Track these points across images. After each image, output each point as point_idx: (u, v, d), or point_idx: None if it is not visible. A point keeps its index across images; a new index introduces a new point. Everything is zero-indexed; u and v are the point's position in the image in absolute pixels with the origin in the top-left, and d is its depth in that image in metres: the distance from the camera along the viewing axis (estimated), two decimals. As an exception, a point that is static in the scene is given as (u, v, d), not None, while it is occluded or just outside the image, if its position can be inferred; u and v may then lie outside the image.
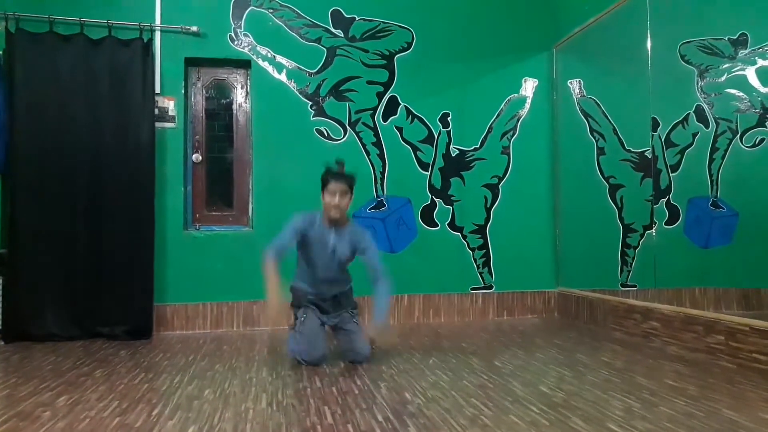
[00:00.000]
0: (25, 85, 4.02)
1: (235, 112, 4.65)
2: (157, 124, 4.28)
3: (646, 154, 3.98)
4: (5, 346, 3.80)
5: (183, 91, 4.43)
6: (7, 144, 3.99)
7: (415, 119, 4.77)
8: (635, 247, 4.10)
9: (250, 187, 4.55)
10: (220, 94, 4.68)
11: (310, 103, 4.60)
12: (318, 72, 4.62)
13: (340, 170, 3.23)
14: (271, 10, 4.56)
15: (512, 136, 4.96)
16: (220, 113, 4.66)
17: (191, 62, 4.50)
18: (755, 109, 3.25)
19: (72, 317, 4.01)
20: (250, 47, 4.52)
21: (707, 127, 3.55)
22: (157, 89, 4.30)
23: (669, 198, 3.79)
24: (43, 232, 3.98)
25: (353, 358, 3.27)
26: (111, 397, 2.63)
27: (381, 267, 3.31)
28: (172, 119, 4.37)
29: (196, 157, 4.52)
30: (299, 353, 3.19)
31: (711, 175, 3.52)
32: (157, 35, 4.34)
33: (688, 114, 3.66)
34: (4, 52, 4.03)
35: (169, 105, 4.37)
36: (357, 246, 3.28)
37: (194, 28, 4.38)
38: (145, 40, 4.24)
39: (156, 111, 4.27)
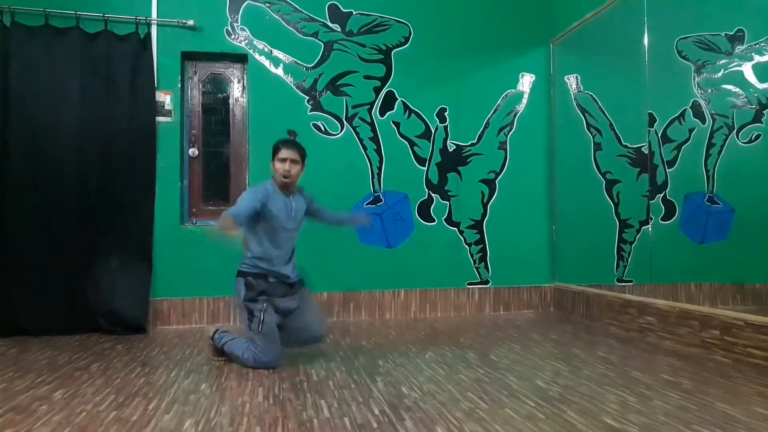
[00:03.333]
0: (20, 79, 4.01)
1: (231, 106, 4.64)
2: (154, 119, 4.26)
3: (642, 149, 3.98)
4: (1, 341, 3.79)
5: (179, 86, 4.41)
6: (1, 137, 3.97)
7: (412, 114, 4.77)
8: (631, 243, 4.11)
9: (247, 181, 4.54)
10: (217, 88, 4.66)
11: (307, 97, 4.59)
12: (315, 66, 4.61)
13: (292, 138, 3.28)
14: (268, 4, 4.55)
15: (509, 132, 4.96)
16: (216, 108, 4.65)
17: (188, 56, 4.49)
18: (751, 105, 3.26)
19: (68, 312, 4.00)
20: (246, 41, 4.50)
21: (704, 122, 3.56)
22: (154, 83, 4.28)
23: (665, 193, 3.80)
24: (38, 226, 3.97)
25: (308, 338, 3.23)
26: (107, 391, 2.63)
27: (326, 209, 3.48)
28: (168, 113, 4.35)
29: (193, 151, 4.51)
30: (259, 353, 2.99)
31: (707, 171, 3.52)
32: (154, 29, 4.32)
33: (685, 110, 3.66)
34: (-1, 46, 4.02)
35: (166, 99, 4.36)
36: (308, 205, 3.34)
37: (191, 22, 4.36)
38: (142, 34, 4.23)
39: (154, 105, 4.25)
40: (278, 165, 3.12)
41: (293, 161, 3.12)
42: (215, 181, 4.61)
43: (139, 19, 4.22)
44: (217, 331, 3.27)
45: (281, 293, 3.13)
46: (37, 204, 3.98)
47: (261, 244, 3.11)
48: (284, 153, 3.12)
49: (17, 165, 3.98)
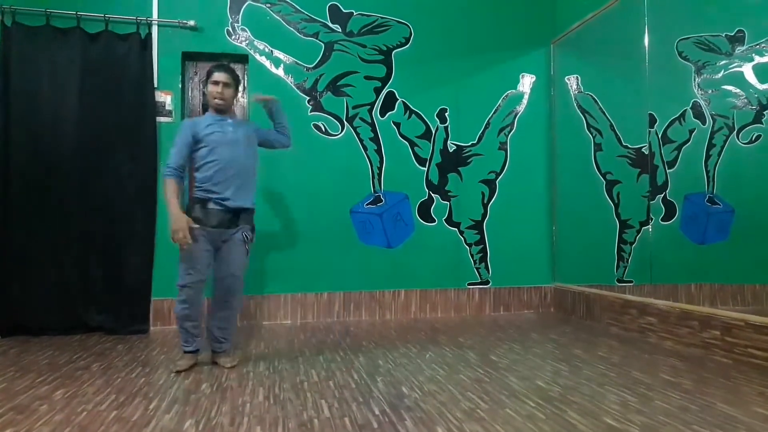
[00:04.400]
0: (21, 79, 4.01)
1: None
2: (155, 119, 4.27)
3: (642, 150, 3.98)
4: (2, 340, 3.80)
5: (180, 86, 4.42)
6: (3, 137, 3.97)
7: (413, 115, 4.77)
8: (632, 243, 4.11)
9: (248, 182, 4.54)
10: (218, 88, 4.66)
11: (308, 98, 4.59)
12: (315, 67, 4.61)
13: (225, 63, 3.36)
14: (269, 5, 4.55)
15: (509, 132, 4.96)
16: (217, 108, 4.64)
17: (188, 57, 4.49)
18: (752, 105, 3.26)
19: (69, 312, 4.00)
20: (247, 42, 4.51)
21: (704, 123, 3.56)
22: (155, 83, 4.29)
23: (665, 194, 3.80)
24: (39, 224, 3.97)
25: (223, 275, 3.14)
26: (108, 391, 2.63)
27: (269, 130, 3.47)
28: (169, 114, 4.36)
29: (194, 151, 4.50)
30: (178, 278, 3.07)
31: (707, 172, 3.52)
32: (155, 29, 4.32)
33: (685, 110, 3.66)
34: (0, 46, 4.02)
35: (166, 99, 4.36)
36: (251, 128, 3.35)
37: (191, 23, 4.36)
38: (143, 35, 4.23)
39: (154, 105, 4.25)
40: (211, 88, 3.15)
41: (225, 84, 3.15)
42: (216, 181, 4.60)
43: (140, 20, 4.23)
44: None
45: (216, 222, 3.07)
46: (37, 203, 3.98)
47: (204, 171, 3.10)
48: (217, 76, 3.15)
49: (18, 165, 3.98)
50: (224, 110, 3.19)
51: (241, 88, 4.62)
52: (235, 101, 3.31)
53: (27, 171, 3.99)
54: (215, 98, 3.14)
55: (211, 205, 3.07)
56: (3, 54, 4.00)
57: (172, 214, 2.97)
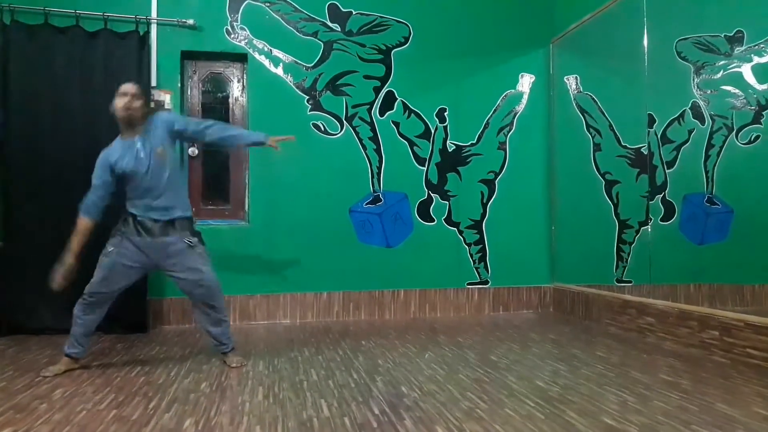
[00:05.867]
0: (20, 78, 4.00)
1: (231, 106, 4.64)
2: (154, 118, 4.26)
3: (642, 150, 3.99)
4: (1, 339, 3.80)
5: (179, 85, 4.41)
6: (3, 137, 3.97)
7: (412, 114, 4.77)
8: (631, 243, 4.12)
9: (247, 181, 4.55)
10: (217, 87, 4.67)
11: (307, 97, 4.59)
12: (315, 66, 4.61)
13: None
14: (268, 4, 4.55)
15: (509, 132, 4.97)
16: (216, 107, 4.65)
17: (187, 56, 4.49)
18: (751, 106, 3.26)
19: (68, 310, 3.97)
20: (246, 41, 4.51)
21: (703, 123, 3.57)
22: (153, 82, 4.29)
23: (664, 194, 3.80)
24: (40, 225, 3.96)
25: (189, 288, 3.06)
26: (107, 390, 2.63)
27: (197, 122, 3.16)
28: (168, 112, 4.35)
29: (192, 150, 4.50)
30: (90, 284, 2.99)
31: (706, 172, 3.53)
32: (153, 28, 4.32)
33: (684, 110, 3.67)
34: (-1, 44, 4.02)
35: (166, 98, 4.36)
36: (168, 129, 3.06)
37: (190, 22, 4.36)
38: (141, 33, 4.22)
39: (152, 104, 4.25)
40: (117, 101, 2.95)
41: (132, 95, 2.95)
42: (215, 180, 4.61)
43: (139, 18, 4.22)
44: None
45: (137, 232, 2.99)
46: (37, 203, 3.98)
47: (127, 197, 3.05)
48: (122, 89, 2.97)
49: (16, 164, 3.98)
50: (133, 123, 2.98)
51: (240, 87, 4.62)
52: (144, 113, 3.04)
53: (26, 169, 3.98)
54: (125, 108, 2.93)
55: (137, 220, 3.01)
56: (2, 52, 3.99)
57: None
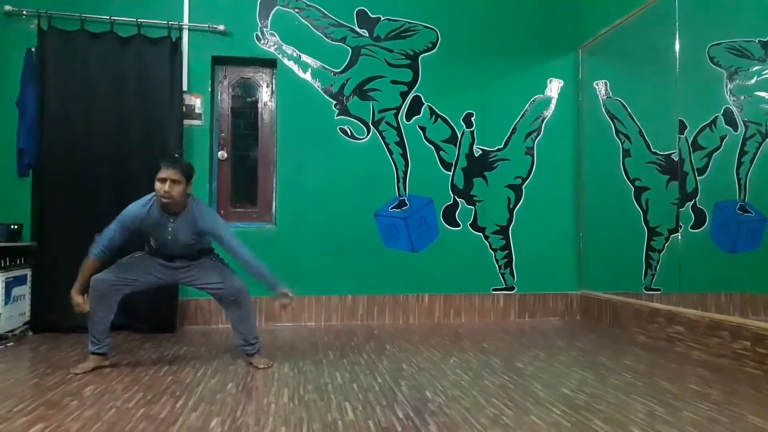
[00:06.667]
0: (56, 82, 4.11)
1: (260, 110, 4.70)
2: (184, 122, 4.34)
3: (672, 156, 3.93)
4: (33, 337, 3.89)
5: (209, 90, 4.48)
6: (38, 140, 4.08)
7: (439, 119, 4.77)
8: (660, 251, 4.05)
9: (274, 184, 4.59)
10: (246, 92, 4.73)
11: (334, 102, 4.62)
12: (342, 71, 4.64)
13: (173, 159, 3.10)
14: (297, 10, 4.60)
15: (536, 137, 4.93)
16: (245, 111, 4.71)
17: (218, 61, 4.56)
18: (786, 112, 3.20)
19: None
20: (276, 46, 4.56)
21: (736, 130, 3.50)
22: (185, 87, 4.36)
23: (695, 201, 3.74)
24: (72, 226, 4.04)
25: (219, 291, 3.17)
26: (136, 388, 2.67)
27: (235, 243, 3.11)
28: (198, 117, 4.42)
29: (222, 154, 4.57)
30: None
31: (739, 179, 3.46)
32: (185, 34, 4.40)
33: (716, 117, 3.61)
34: (36, 50, 4.12)
35: (196, 103, 4.43)
36: (201, 230, 3.07)
37: (221, 27, 4.43)
38: (173, 39, 4.30)
39: (183, 109, 4.33)
40: (157, 186, 2.94)
41: (173, 181, 2.92)
42: (243, 183, 4.67)
43: (171, 24, 4.30)
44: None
45: (161, 257, 3.17)
46: (70, 204, 4.07)
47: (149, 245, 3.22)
48: (162, 173, 2.93)
49: (52, 166, 4.07)
50: (170, 207, 2.99)
51: (269, 92, 4.67)
52: (186, 196, 3.03)
53: (61, 172, 4.08)
54: (162, 197, 2.93)
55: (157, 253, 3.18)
56: (40, 57, 4.10)
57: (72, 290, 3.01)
